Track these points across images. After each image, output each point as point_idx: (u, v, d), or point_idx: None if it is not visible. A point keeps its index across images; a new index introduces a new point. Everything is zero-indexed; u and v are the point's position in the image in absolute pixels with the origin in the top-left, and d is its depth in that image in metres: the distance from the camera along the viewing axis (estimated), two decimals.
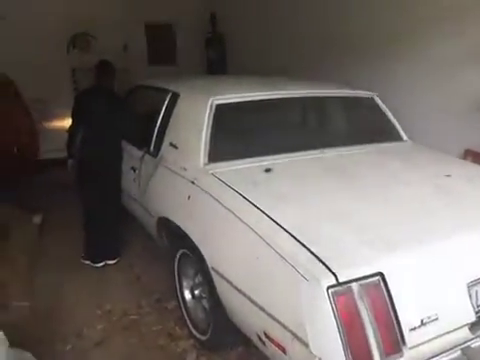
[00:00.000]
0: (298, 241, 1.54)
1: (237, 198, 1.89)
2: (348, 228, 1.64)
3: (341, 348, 1.34)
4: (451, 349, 1.52)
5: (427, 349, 1.46)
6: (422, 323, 1.44)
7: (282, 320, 1.51)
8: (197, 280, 2.33)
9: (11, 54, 5.39)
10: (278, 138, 2.63)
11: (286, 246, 1.55)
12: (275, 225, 1.65)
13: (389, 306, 1.43)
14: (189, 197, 2.20)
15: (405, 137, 2.88)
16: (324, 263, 1.42)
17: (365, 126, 3.03)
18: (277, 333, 1.54)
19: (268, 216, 1.71)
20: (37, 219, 3.87)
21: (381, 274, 1.43)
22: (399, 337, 1.41)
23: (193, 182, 2.20)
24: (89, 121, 3.09)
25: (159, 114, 2.86)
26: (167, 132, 2.69)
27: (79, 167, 3.15)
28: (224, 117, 2.41)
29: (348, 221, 1.70)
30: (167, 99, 2.84)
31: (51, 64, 5.87)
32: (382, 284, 1.43)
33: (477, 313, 1.56)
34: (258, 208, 1.77)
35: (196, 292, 2.35)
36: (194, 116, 2.47)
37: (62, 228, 3.79)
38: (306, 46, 4.89)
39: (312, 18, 4.74)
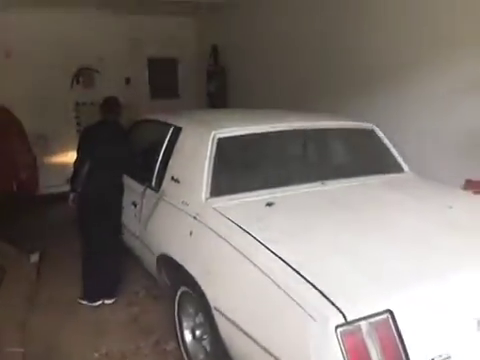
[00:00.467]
0: (304, 278, 1.50)
1: (240, 234, 1.87)
2: (354, 264, 1.61)
3: None
4: None
5: None
6: None
7: None
8: (198, 320, 2.25)
9: (15, 90, 5.51)
10: (280, 171, 2.64)
11: (292, 284, 1.51)
12: (280, 262, 1.62)
13: (399, 345, 1.38)
14: (191, 233, 2.17)
15: (406, 168, 2.89)
16: (331, 301, 1.38)
17: (366, 157, 3.04)
18: None
19: (273, 253, 1.68)
20: (34, 257, 3.81)
21: (390, 311, 1.39)
22: None
23: (195, 217, 2.18)
24: (94, 156, 3.12)
25: (161, 148, 2.87)
26: (169, 166, 2.70)
27: (81, 201, 3.15)
28: (226, 151, 2.42)
29: (354, 256, 1.67)
30: (169, 133, 2.86)
31: (54, 99, 5.97)
32: (391, 322, 1.39)
33: None
34: (262, 244, 1.74)
35: (197, 333, 2.26)
36: (196, 150, 2.48)
37: (60, 266, 3.72)
38: (306, 79, 4.99)
39: (312, 52, 4.86)
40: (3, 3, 5.13)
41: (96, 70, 6.38)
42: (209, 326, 2.02)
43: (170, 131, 2.87)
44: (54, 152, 6.16)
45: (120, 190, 3.22)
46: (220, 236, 1.93)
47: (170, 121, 2.98)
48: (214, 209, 2.13)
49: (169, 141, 2.84)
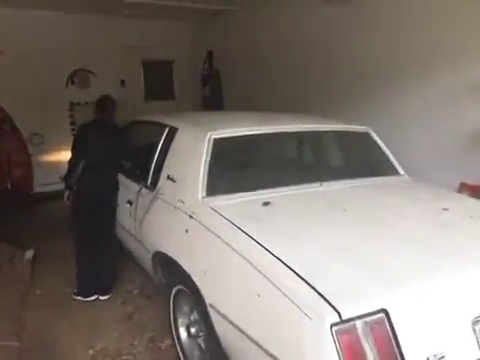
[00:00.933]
0: (300, 277, 1.51)
1: (236, 232, 1.87)
2: (350, 263, 1.61)
3: None
4: None
5: None
6: None
7: (283, 359, 1.45)
8: (193, 317, 2.25)
9: (10, 88, 5.48)
10: (275, 172, 2.66)
11: (288, 282, 1.52)
12: (276, 260, 1.62)
13: (394, 344, 1.39)
14: (187, 231, 2.17)
15: (402, 171, 2.91)
16: (327, 300, 1.39)
17: (361, 160, 3.06)
18: None
19: (269, 251, 1.68)
20: (29, 254, 3.79)
21: (385, 311, 1.40)
22: None
23: (191, 216, 2.18)
24: (89, 153, 3.12)
25: (157, 148, 2.87)
26: (165, 165, 2.70)
27: (76, 198, 3.15)
28: (222, 151, 2.43)
29: (350, 256, 1.67)
30: (165, 133, 2.86)
31: (49, 99, 5.95)
32: (386, 321, 1.39)
33: None
34: (258, 243, 1.75)
35: (192, 330, 2.25)
36: (192, 150, 2.48)
37: (54, 262, 3.71)
38: (301, 81, 5.01)
39: (307, 57, 4.89)
40: None
41: (91, 71, 6.38)
42: (204, 323, 2.02)
43: (166, 131, 2.87)
44: (49, 151, 6.14)
45: (114, 188, 3.23)
46: (216, 234, 1.94)
47: (166, 122, 2.99)
48: (210, 208, 2.13)
49: (165, 141, 2.84)
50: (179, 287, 2.29)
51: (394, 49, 3.82)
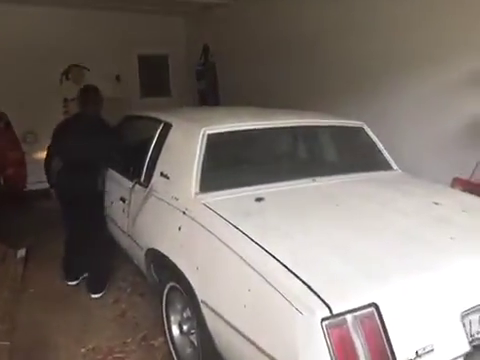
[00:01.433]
0: (291, 272, 1.51)
1: (229, 228, 1.86)
2: (341, 258, 1.62)
3: None
4: None
5: None
6: (417, 355, 1.41)
7: (274, 354, 1.45)
8: (186, 315, 2.25)
9: (3, 86, 5.43)
10: (269, 167, 2.66)
11: (279, 277, 1.52)
12: (268, 256, 1.62)
13: (383, 338, 1.39)
14: (180, 228, 2.17)
15: (395, 166, 2.91)
16: (317, 294, 1.39)
17: (355, 155, 3.06)
18: None
19: (261, 246, 1.68)
20: (21, 253, 3.77)
21: (375, 305, 1.40)
22: None
23: (184, 212, 2.17)
24: (63, 152, 3.03)
25: (150, 144, 2.85)
26: (158, 162, 2.68)
27: (56, 197, 3.11)
28: (216, 147, 2.41)
29: (340, 251, 1.68)
30: (159, 129, 2.84)
31: (43, 96, 5.90)
32: (376, 315, 1.40)
33: (471, 343, 1.52)
34: (250, 238, 1.75)
35: (184, 327, 2.26)
36: (186, 146, 2.47)
37: (47, 260, 3.68)
38: (297, 79, 5.01)
39: (303, 52, 4.88)
40: None
41: (85, 67, 6.33)
42: (197, 320, 2.01)
43: (160, 127, 2.85)
44: (43, 148, 6.08)
45: (94, 186, 3.05)
46: (209, 231, 1.93)
47: (160, 117, 2.97)
48: (203, 204, 2.12)
49: (159, 137, 2.82)
50: (172, 284, 2.28)
51: (388, 45, 3.82)
